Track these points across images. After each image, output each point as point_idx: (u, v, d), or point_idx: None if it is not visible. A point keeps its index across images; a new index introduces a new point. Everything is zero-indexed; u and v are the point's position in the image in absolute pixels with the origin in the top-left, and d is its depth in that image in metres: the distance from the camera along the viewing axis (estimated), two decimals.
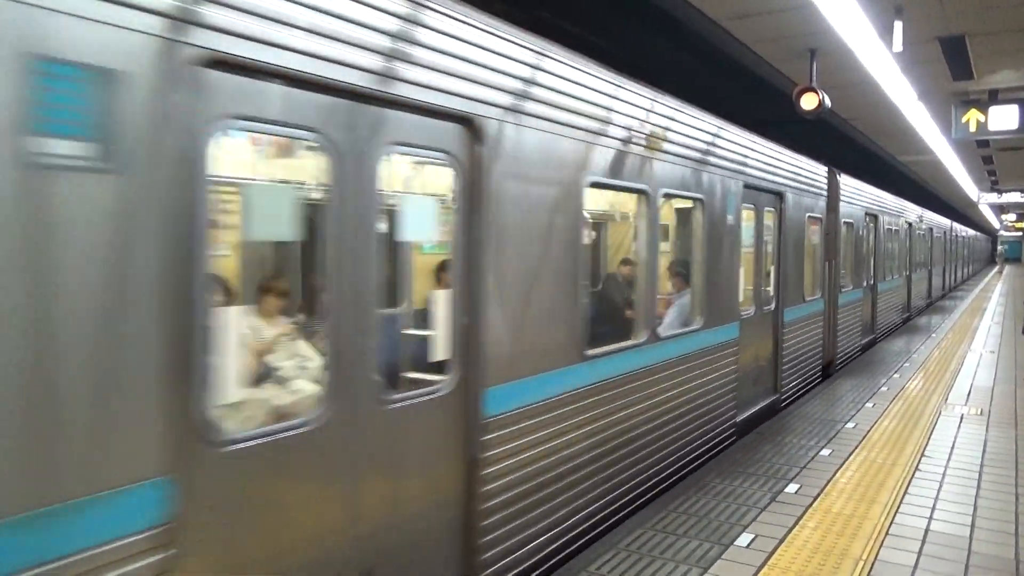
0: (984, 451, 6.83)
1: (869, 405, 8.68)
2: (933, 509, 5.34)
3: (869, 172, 15.69)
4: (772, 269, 8.46)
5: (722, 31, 7.70)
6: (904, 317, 18.26)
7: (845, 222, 11.50)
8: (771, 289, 8.48)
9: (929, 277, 23.19)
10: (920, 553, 4.60)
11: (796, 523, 5.05)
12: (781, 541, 4.76)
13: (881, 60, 8.54)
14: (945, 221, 27.97)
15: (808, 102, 8.51)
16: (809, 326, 9.72)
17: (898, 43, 7.20)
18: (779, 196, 8.38)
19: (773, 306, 8.45)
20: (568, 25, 7.23)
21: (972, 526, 5.04)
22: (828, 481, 5.93)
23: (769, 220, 8.33)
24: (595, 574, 4.31)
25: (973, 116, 10.01)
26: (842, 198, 11.15)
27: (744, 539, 4.78)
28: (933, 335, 15.46)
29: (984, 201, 30.00)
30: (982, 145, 16.15)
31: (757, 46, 8.41)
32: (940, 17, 7.32)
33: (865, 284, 13.50)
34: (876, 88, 10.08)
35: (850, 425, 7.73)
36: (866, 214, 13.14)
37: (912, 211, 18.93)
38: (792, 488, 5.77)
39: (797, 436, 7.31)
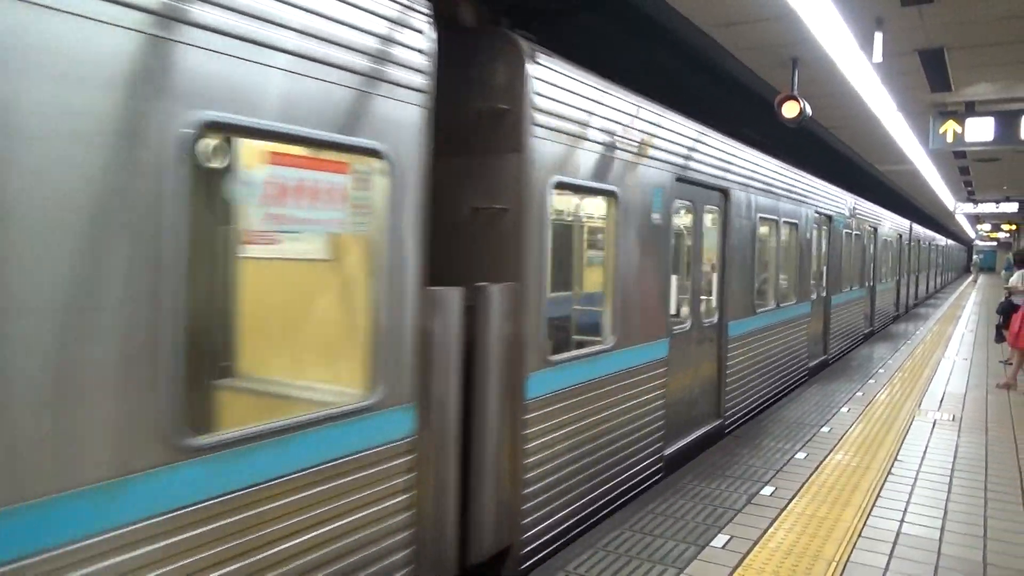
0: (955, 456, 6.97)
1: (844, 410, 8.81)
2: (905, 512, 5.45)
3: (848, 179, 15.81)
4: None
5: (707, 38, 7.78)
6: (821, 360, 12.29)
7: (602, 192, 5.27)
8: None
9: (871, 296, 17.07)
10: (891, 555, 4.69)
11: (771, 525, 5.14)
12: (756, 542, 4.83)
13: (861, 71, 8.69)
14: (903, 221, 21.95)
15: (789, 110, 8.65)
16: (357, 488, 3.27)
17: (878, 54, 7.32)
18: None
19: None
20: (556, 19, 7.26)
21: (942, 529, 5.15)
22: (803, 484, 6.02)
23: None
24: (572, 574, 4.35)
25: (950, 127, 10.19)
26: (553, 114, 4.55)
27: (720, 540, 4.85)
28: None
29: (960, 211, 30.47)
30: (959, 156, 16.44)
31: (741, 54, 8.51)
32: (920, 30, 7.46)
33: (715, 320, 7.64)
34: (856, 98, 10.24)
35: (825, 429, 7.84)
36: (698, 185, 6.88)
37: (833, 198, 12.47)
38: (768, 490, 5.85)
39: (774, 439, 7.41)
